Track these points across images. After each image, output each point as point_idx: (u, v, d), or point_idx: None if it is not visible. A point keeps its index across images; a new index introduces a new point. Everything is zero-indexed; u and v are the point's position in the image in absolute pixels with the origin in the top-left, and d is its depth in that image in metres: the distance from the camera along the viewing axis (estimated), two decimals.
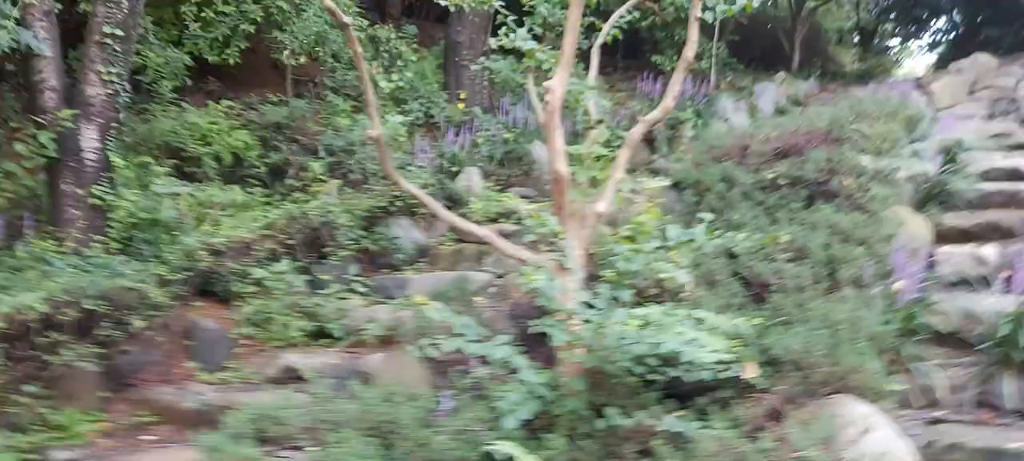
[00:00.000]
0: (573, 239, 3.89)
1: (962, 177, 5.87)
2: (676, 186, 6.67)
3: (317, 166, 7.26)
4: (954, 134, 6.76)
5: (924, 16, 17.85)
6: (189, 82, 7.45)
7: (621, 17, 5.14)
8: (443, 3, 4.94)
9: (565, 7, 5.30)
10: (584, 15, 4.42)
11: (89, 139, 5.62)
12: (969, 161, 6.15)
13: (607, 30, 5.11)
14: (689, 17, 4.17)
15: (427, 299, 4.28)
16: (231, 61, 7.66)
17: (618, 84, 11.82)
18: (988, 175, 6.01)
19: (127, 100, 6.03)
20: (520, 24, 5.12)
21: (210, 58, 7.53)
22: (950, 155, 6.06)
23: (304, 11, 7.53)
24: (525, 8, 5.77)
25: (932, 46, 19.24)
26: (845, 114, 6.67)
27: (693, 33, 4.18)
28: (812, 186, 5.47)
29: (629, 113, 9.65)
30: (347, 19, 3.95)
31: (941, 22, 18.30)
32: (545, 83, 3.88)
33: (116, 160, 5.81)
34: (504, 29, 4.83)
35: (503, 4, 5.22)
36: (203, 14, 7.19)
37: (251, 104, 7.79)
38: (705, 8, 4.40)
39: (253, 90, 8.03)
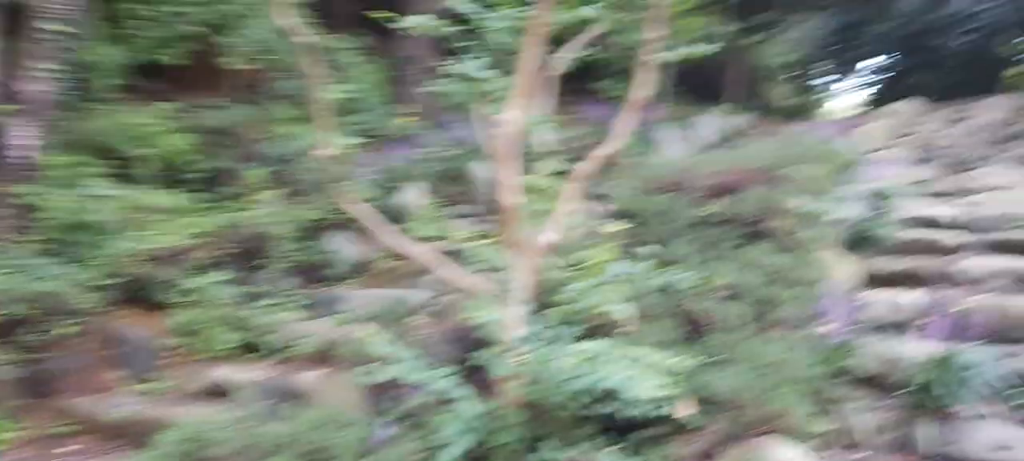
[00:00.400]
0: (520, 270, 3.92)
1: (887, 223, 6.12)
2: (619, 214, 6.79)
3: (256, 174, 7.13)
4: (881, 179, 7.05)
5: (856, 57, 18.57)
6: (139, 82, 7.23)
7: (580, 50, 5.20)
8: (388, 25, 4.89)
9: (519, 33, 5.36)
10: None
11: (21, 136, 5.40)
12: (894, 207, 6.41)
13: (564, 62, 5.16)
14: (641, 57, 4.26)
15: (367, 322, 4.26)
16: (173, 62, 7.47)
17: (561, 108, 11.92)
18: (911, 222, 6.28)
19: (68, 97, 5.83)
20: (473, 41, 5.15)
21: (161, 59, 7.33)
22: (876, 200, 6.30)
23: (250, 18, 7.40)
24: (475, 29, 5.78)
25: (864, 86, 20.06)
26: (780, 155, 6.89)
27: (645, 74, 4.27)
28: (748, 225, 5.63)
29: (575, 138, 9.77)
30: (302, 38, 3.91)
31: (872, 63, 19.11)
32: (502, 116, 3.90)
33: (49, 159, 5.60)
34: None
35: (454, 26, 5.22)
36: (144, 13, 6.99)
37: (194, 107, 7.61)
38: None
39: (201, 94, 7.84)
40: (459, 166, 8.91)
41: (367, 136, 9.32)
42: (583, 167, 4.31)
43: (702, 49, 4.44)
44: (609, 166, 9.79)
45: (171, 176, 6.96)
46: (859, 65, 19.21)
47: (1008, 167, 7.88)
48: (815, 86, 19.98)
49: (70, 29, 5.68)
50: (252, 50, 7.60)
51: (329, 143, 4.23)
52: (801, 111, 17.87)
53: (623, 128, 4.39)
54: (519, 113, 3.96)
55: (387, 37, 11.10)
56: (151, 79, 7.84)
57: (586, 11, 5.02)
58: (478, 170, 8.70)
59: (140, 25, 7.08)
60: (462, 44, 5.49)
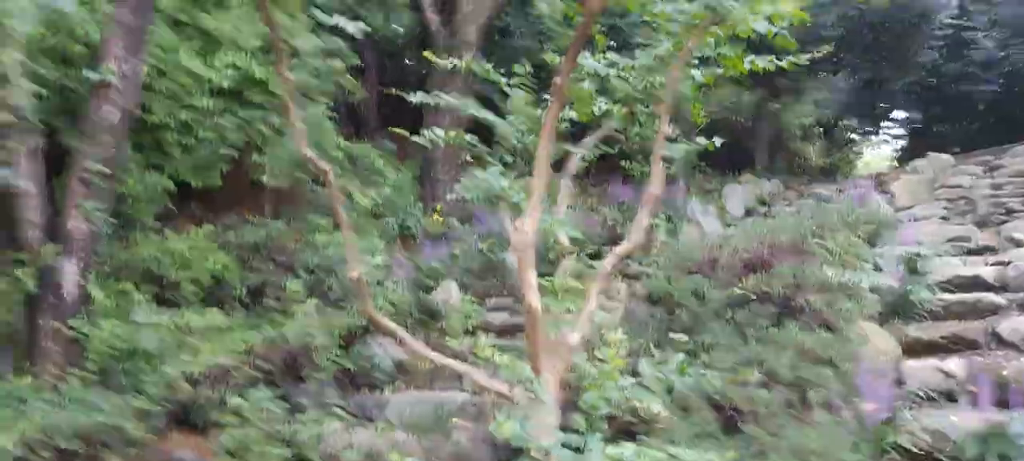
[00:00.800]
0: (548, 373, 3.97)
1: (924, 287, 6.02)
2: (650, 299, 6.82)
3: (295, 285, 7.33)
4: (915, 239, 6.98)
5: (882, 112, 18.54)
6: (171, 206, 7.55)
7: (594, 146, 5.34)
8: (417, 140, 5.08)
9: (535, 133, 5.53)
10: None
11: (69, 273, 5.68)
12: (931, 269, 6.32)
13: (576, 161, 5.30)
14: (653, 154, 4.36)
15: (407, 430, 4.31)
16: (213, 184, 7.79)
17: (588, 187, 12.07)
18: (950, 283, 6.15)
19: (110, 228, 6.11)
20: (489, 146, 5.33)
21: (192, 182, 7.65)
22: (912, 264, 6.23)
23: (283, 134, 7.72)
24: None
25: (890, 140, 19.96)
26: (811, 224, 6.88)
27: (657, 170, 4.36)
28: (779, 302, 5.62)
29: (601, 219, 9.88)
30: (325, 166, 4.10)
31: (897, 117, 19.06)
32: (516, 221, 4.02)
33: (95, 292, 5.85)
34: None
35: (474, 135, 5.41)
36: (184, 141, 7.34)
37: (231, 225, 7.89)
38: (669, 139, 4.60)
39: (234, 210, 8.14)
40: (491, 259, 9.04)
41: (401, 235, 9.55)
42: (606, 263, 4.38)
43: (710, 142, 4.53)
44: (642, 249, 9.90)
45: (214, 295, 7.19)
46: (885, 120, 19.16)
47: None
48: (844, 141, 19.91)
49: (111, 169, 5.99)
50: (287, 167, 7.89)
51: (356, 263, 4.36)
52: (833, 168, 17.80)
53: (643, 221, 4.47)
54: (536, 215, 4.06)
55: (416, 135, 11.45)
56: (190, 201, 8.18)
57: (600, 108, 5.20)
58: (513, 261, 8.82)
59: (177, 151, 7.41)
60: (481, 147, 5.71)
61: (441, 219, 9.81)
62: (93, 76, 5.54)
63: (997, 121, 15.00)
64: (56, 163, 6.28)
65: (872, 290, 5.98)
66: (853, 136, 20.25)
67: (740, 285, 6.05)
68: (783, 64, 4.53)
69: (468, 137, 5.57)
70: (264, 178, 7.79)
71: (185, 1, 7.49)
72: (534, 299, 4.03)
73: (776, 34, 4.13)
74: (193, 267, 7.06)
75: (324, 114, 8.85)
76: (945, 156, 11.82)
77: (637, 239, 4.42)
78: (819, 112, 19.03)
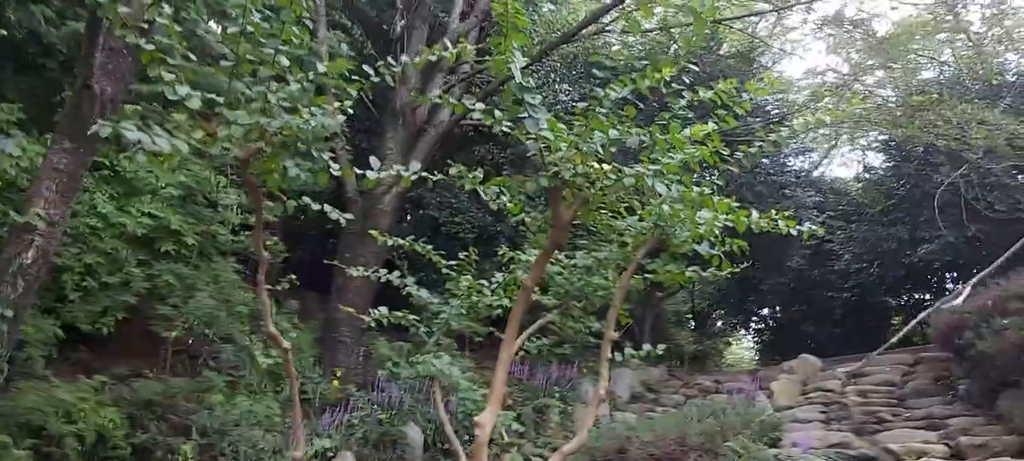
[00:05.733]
0: None
1: None
2: None
3: (187, 449, 6.89)
4: (804, 446, 7.41)
5: (749, 307, 19.89)
6: (55, 353, 7.03)
7: (534, 338, 5.49)
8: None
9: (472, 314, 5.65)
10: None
11: None
12: None
13: (520, 345, 5.42)
14: (601, 355, 4.56)
15: None
16: (105, 330, 7.36)
17: (483, 363, 12.14)
18: None
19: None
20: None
21: (82, 327, 7.19)
22: None
23: (196, 290, 7.46)
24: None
25: (758, 333, 21.33)
26: (711, 424, 7.21)
27: (604, 370, 4.55)
28: None
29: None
30: (286, 344, 4.03)
31: (762, 313, 20.50)
32: (476, 417, 4.04)
33: None
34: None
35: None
36: (85, 283, 6.95)
37: (122, 377, 7.40)
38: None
39: (124, 361, 7.65)
40: (393, 430, 8.83)
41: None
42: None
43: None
44: (539, 425, 9.95)
45: (96, 454, 6.63)
46: (752, 315, 20.56)
47: (915, 429, 8.44)
48: (713, 334, 21.08)
49: (22, 314, 5.59)
50: (191, 320, 7.58)
51: (300, 443, 4.22)
52: (704, 354, 18.74)
53: (588, 420, 4.59)
54: (496, 410, 4.11)
55: (320, 296, 11.25)
56: (78, 346, 7.64)
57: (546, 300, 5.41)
58: (413, 433, 8.65)
59: (78, 296, 7.00)
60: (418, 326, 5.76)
61: (339, 383, 9.55)
62: (18, 219, 5.24)
63: (853, 328, 16.39)
64: None
65: None
66: (724, 328, 21.54)
67: None
68: (706, 275, 4.90)
69: (398, 312, 5.64)
70: (168, 330, 7.43)
71: (106, 146, 7.31)
72: None
73: (713, 255, 4.56)
74: (78, 421, 6.52)
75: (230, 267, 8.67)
76: (813, 358, 12.68)
77: (581, 439, 4.52)
78: (693, 301, 20.24)
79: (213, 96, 3.32)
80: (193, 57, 3.35)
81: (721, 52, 15.87)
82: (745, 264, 4.92)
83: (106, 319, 7.31)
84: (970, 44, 15.15)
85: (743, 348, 23.96)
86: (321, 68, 3.40)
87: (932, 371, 10.70)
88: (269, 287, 4.06)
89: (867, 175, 17.99)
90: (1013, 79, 14.19)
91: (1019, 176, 13.47)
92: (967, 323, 8.66)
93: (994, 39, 14.75)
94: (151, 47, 3.15)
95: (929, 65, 16.70)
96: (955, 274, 15.33)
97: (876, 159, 17.84)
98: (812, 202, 15.53)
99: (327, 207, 3.95)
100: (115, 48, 5.70)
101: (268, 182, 3.65)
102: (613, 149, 3.84)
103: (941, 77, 15.79)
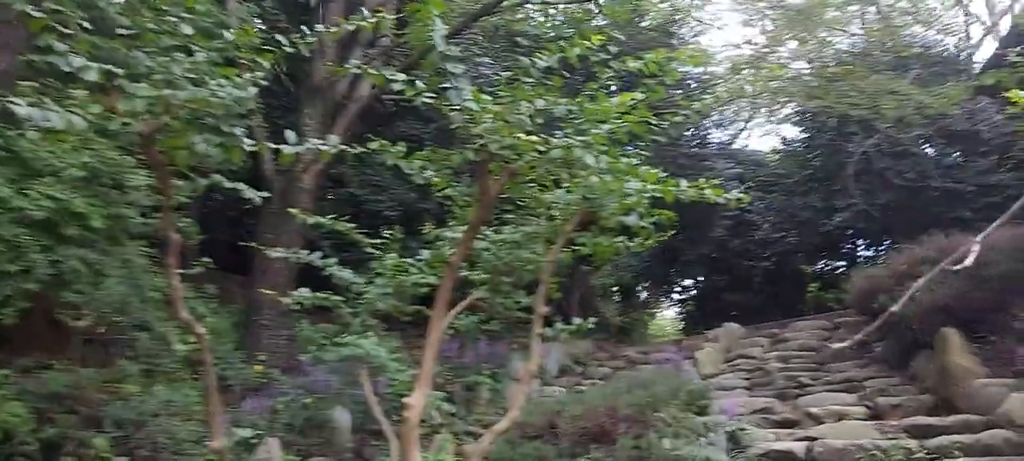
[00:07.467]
0: None
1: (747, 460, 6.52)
2: None
3: (100, 442, 6.56)
4: (729, 412, 7.54)
5: (673, 278, 20.25)
6: None
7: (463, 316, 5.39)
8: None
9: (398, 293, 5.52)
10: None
11: None
12: (749, 442, 6.85)
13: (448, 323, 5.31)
14: (532, 332, 4.49)
15: None
16: (5, 321, 6.89)
17: (412, 342, 11.98)
18: (767, 457, 6.70)
19: None
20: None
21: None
22: (736, 438, 6.73)
23: (105, 276, 7.05)
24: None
25: (681, 304, 21.75)
26: (642, 394, 7.24)
27: (535, 347, 4.49)
28: None
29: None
30: (201, 329, 3.81)
31: (685, 283, 20.91)
32: (405, 399, 3.92)
33: None
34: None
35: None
36: None
37: (28, 369, 6.97)
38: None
39: (30, 353, 7.20)
40: (318, 414, 8.62)
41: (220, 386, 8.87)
42: (484, 441, 4.36)
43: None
44: (469, 402, 9.88)
45: (5, 451, 6.23)
46: (676, 286, 20.95)
47: (835, 392, 8.71)
48: (638, 306, 21.41)
49: None
50: (101, 307, 7.18)
51: (218, 433, 4.01)
52: (627, 330, 19.03)
53: (518, 397, 4.53)
54: (425, 391, 3.99)
55: (240, 279, 10.87)
56: None
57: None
58: (340, 416, 8.46)
59: None
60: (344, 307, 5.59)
61: (261, 370, 9.26)
62: None
63: (772, 295, 16.86)
64: None
65: None
66: (648, 299, 21.88)
67: (585, 456, 6.20)
68: (633, 245, 4.87)
69: (321, 294, 5.47)
70: (76, 319, 7.02)
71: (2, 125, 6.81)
72: None
73: (643, 227, 4.54)
74: None
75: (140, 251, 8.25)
76: (736, 326, 12.99)
77: (513, 416, 4.45)
78: (619, 275, 20.46)
79: (112, 67, 3.07)
80: (89, 26, 3.10)
81: (642, 24, 15.95)
82: (672, 233, 4.91)
83: (7, 309, 6.83)
84: (879, 16, 15.65)
85: (667, 319, 24.44)
86: (228, 36, 3.18)
87: (850, 335, 11.07)
88: (181, 271, 3.83)
89: (784, 146, 18.48)
90: (920, 51, 14.73)
91: (926, 146, 14.03)
92: (882, 287, 8.96)
93: (901, 12, 15.29)
94: (41, 14, 2.89)
95: (841, 37, 17.19)
96: (867, 241, 15.92)
97: (792, 131, 18.35)
98: (732, 173, 15.85)
99: (241, 185, 3.74)
100: (5, 19, 5.29)
101: (176, 160, 3.44)
102: (540, 120, 3.75)
103: (853, 48, 16.27)
